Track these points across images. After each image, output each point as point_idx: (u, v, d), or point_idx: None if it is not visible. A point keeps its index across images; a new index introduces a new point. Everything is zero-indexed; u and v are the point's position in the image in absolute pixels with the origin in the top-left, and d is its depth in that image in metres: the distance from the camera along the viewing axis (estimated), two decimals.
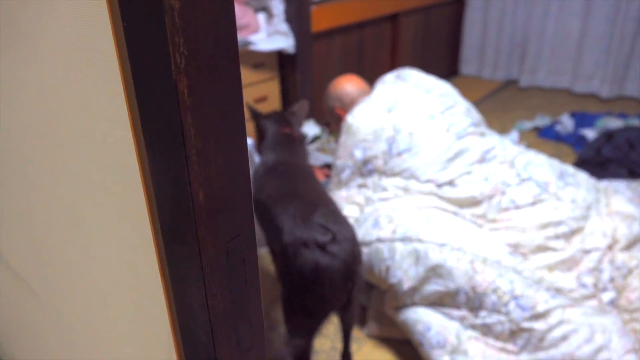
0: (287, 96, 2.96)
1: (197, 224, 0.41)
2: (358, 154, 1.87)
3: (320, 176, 2.28)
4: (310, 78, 3.04)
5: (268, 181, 1.48)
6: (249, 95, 2.68)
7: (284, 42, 2.71)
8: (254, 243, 0.45)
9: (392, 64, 3.65)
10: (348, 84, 2.17)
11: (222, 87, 0.40)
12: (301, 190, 1.40)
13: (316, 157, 2.92)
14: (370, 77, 2.97)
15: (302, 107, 1.83)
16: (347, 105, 2.09)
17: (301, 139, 1.73)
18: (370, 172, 1.86)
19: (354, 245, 1.29)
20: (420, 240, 1.56)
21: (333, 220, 1.30)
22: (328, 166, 2.39)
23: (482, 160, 1.78)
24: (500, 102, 3.88)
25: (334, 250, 1.25)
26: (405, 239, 1.58)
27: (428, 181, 1.75)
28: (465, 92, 2.40)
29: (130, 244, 0.50)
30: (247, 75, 2.64)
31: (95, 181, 0.50)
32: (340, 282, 1.26)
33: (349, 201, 1.87)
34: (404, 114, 1.88)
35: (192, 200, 0.41)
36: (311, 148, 3.01)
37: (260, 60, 2.72)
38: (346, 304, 1.31)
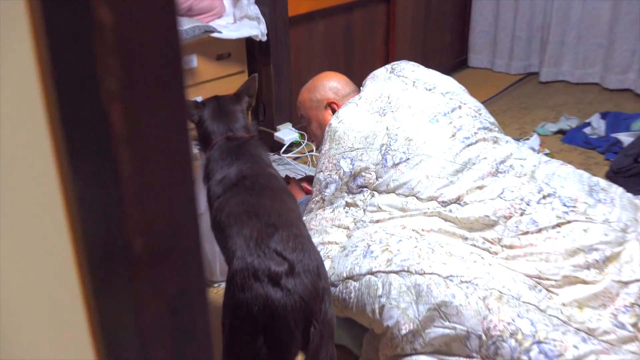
0: (259, 94, 2.96)
1: (135, 277, 0.41)
2: (345, 166, 1.88)
3: (298, 192, 2.28)
4: (287, 72, 3.05)
5: (231, 197, 1.50)
6: (211, 94, 2.67)
7: (254, 28, 2.72)
8: (205, 299, 0.45)
9: (387, 55, 3.68)
10: (337, 78, 2.19)
11: (165, 116, 0.41)
12: (264, 208, 1.42)
13: (294, 169, 2.91)
14: (361, 72, 2.99)
15: (250, 85, 1.79)
16: (343, 98, 2.12)
17: (249, 138, 1.70)
18: (360, 188, 1.87)
19: (317, 279, 1.30)
20: (421, 273, 1.57)
21: (293, 246, 1.31)
22: (310, 179, 2.40)
23: (496, 172, 1.79)
24: (517, 101, 3.94)
25: (290, 285, 1.25)
26: (403, 271, 1.58)
27: (431, 199, 1.76)
28: (474, 88, 2.41)
29: (52, 299, 0.50)
30: (208, 69, 2.65)
31: (11, 223, 0.51)
32: (296, 326, 1.26)
33: (334, 224, 1.87)
34: (400, 117, 1.89)
35: (128, 249, 0.41)
36: (288, 157, 3.01)
37: (226, 51, 2.73)
38: (311, 356, 1.31)
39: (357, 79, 2.28)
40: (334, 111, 2.11)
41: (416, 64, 2.16)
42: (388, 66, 2.16)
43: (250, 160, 1.64)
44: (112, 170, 0.41)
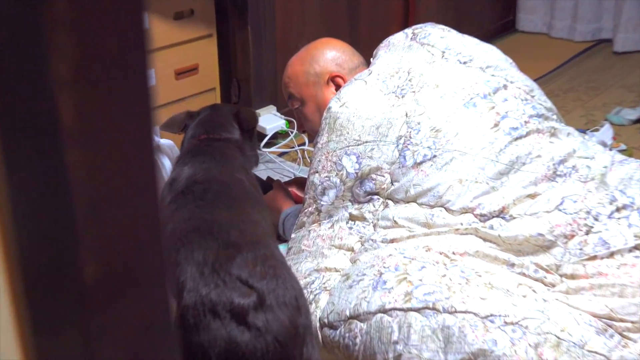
0: (230, 66, 2.98)
1: (87, 313, 0.42)
2: (349, 165, 1.90)
3: (283, 201, 2.32)
4: (271, 38, 3.06)
5: (177, 209, 1.55)
6: (167, 65, 2.71)
7: None
8: (171, 338, 0.47)
9: (406, 17, 3.69)
10: (341, 46, 2.26)
11: (127, 109, 0.42)
12: (220, 223, 1.46)
13: (279, 169, 2.93)
14: (370, 40, 2.99)
15: (249, 115, 2.04)
16: (350, 72, 2.18)
17: (235, 143, 1.86)
18: (369, 196, 1.89)
19: (295, 313, 1.32)
20: (452, 311, 1.57)
21: (262, 271, 1.34)
22: (301, 183, 2.42)
23: (554, 175, 1.81)
24: (582, 78, 3.96)
25: (260, 322, 1.28)
26: (427, 309, 1.58)
27: (465, 211, 1.77)
28: (524, 60, 2.42)
29: None
30: (163, 31, 2.73)
31: None
32: None
33: (334, 244, 1.89)
34: (424, 99, 1.91)
35: (79, 277, 0.41)
36: (271, 153, 3.02)
37: (187, 7, 2.75)
38: None
39: (365, 51, 2.32)
40: (338, 88, 2.13)
41: (446, 28, 2.18)
42: (408, 31, 2.18)
43: (211, 161, 1.74)
44: (60, 176, 0.41)
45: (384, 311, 1.62)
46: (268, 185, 2.43)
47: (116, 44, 0.42)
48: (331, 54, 2.22)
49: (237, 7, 2.92)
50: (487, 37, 3.60)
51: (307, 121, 2.26)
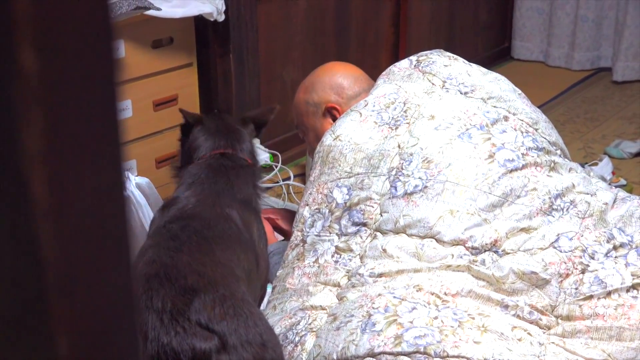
0: (211, 96, 3.00)
1: None
2: (339, 197, 1.93)
3: (270, 236, 2.30)
4: (254, 66, 3.07)
5: (149, 248, 1.61)
6: (145, 95, 2.74)
7: (207, 3, 2.76)
8: None
9: (397, 41, 3.71)
10: (344, 72, 2.30)
11: (99, 182, 0.44)
12: (179, 267, 1.51)
13: (264, 204, 2.94)
14: (359, 66, 3.03)
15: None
16: (349, 101, 2.21)
17: (250, 165, 1.90)
18: (357, 227, 1.91)
19: (261, 350, 1.36)
20: (444, 355, 1.57)
21: (221, 313, 1.38)
22: (287, 216, 2.44)
23: (550, 209, 1.83)
24: (580, 108, 3.98)
25: None
26: (418, 353, 1.58)
27: (456, 242, 1.80)
28: (520, 89, 2.47)
29: None
30: (141, 60, 2.69)
31: None
32: None
33: (319, 280, 1.90)
34: (418, 131, 1.95)
35: (52, 355, 0.42)
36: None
37: (166, 35, 2.77)
38: None
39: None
40: (335, 119, 2.18)
41: (453, 56, 2.23)
42: (413, 57, 2.23)
43: (211, 190, 1.79)
44: (31, 250, 0.42)
45: (373, 355, 1.61)
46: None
47: (86, 115, 0.43)
48: (332, 82, 2.26)
49: (218, 34, 2.96)
50: (481, 65, 3.62)
51: (311, 150, 2.27)
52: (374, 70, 2.64)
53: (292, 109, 2.36)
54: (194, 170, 1.86)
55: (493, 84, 2.12)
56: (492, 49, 4.57)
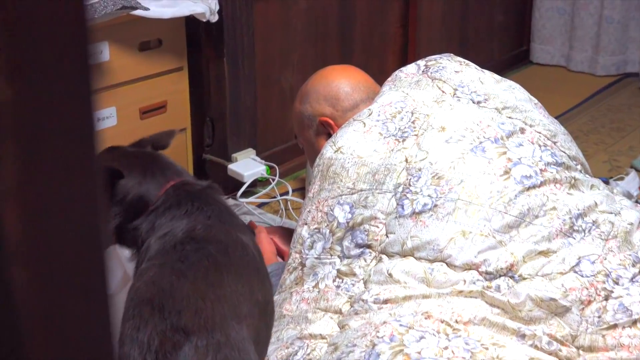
0: (203, 103, 3.00)
1: None
2: (341, 215, 1.92)
3: (267, 257, 2.26)
4: (250, 70, 3.06)
5: (151, 267, 1.59)
6: (131, 102, 2.74)
7: (199, 3, 2.74)
8: None
9: (406, 44, 3.69)
10: (344, 78, 2.27)
11: (76, 224, 0.44)
12: (176, 297, 1.47)
13: (260, 221, 2.94)
14: (366, 71, 3.01)
15: (162, 138, 1.98)
16: (345, 113, 2.19)
17: (210, 185, 1.85)
18: (360, 249, 1.89)
19: None
20: None
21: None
22: (285, 235, 2.43)
23: (570, 231, 1.82)
24: (605, 118, 3.97)
25: None
26: None
27: (468, 267, 1.78)
28: (540, 98, 2.37)
29: None
30: (127, 64, 2.70)
31: None
32: None
33: (319, 306, 1.88)
34: (427, 143, 1.94)
35: None
36: (249, 204, 3.00)
37: (154, 37, 2.79)
38: None
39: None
40: (329, 134, 2.17)
41: (464, 62, 2.22)
42: (421, 62, 2.22)
43: (216, 213, 1.72)
44: (5, 292, 0.43)
45: None
46: (251, 231, 2.37)
47: (62, 146, 0.44)
48: (326, 92, 2.24)
49: (211, 36, 2.95)
50: (497, 70, 3.57)
51: (311, 164, 2.26)
52: (380, 75, 2.60)
53: (292, 117, 2.33)
54: (168, 203, 1.76)
55: (507, 92, 2.11)
56: (509, 52, 4.55)
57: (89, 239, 0.47)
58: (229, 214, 1.81)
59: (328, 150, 2.00)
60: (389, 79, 2.21)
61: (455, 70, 2.15)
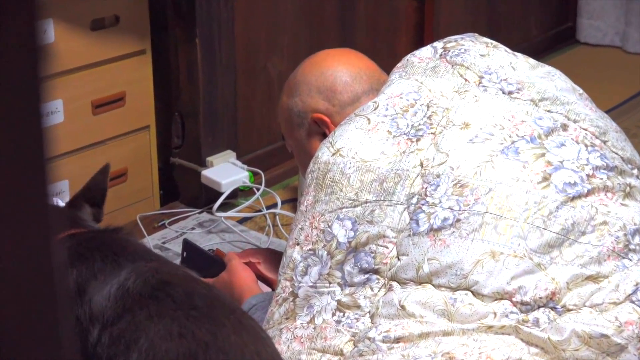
0: (171, 95, 2.93)
1: None
2: (341, 234, 1.89)
3: (246, 288, 2.29)
4: (229, 56, 3.03)
5: (144, 320, 1.67)
6: (81, 93, 2.78)
7: None
8: None
9: (422, 22, 3.69)
10: (344, 65, 2.23)
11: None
12: (237, 352, 1.56)
13: (241, 241, 2.88)
14: (372, 55, 2.97)
15: (101, 177, 2.07)
16: (344, 108, 2.16)
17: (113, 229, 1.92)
18: (365, 275, 1.88)
19: None
20: None
21: None
22: (271, 259, 2.42)
23: (626, 250, 1.82)
24: None
25: None
26: None
27: (499, 296, 1.77)
28: (588, 86, 2.39)
29: None
30: (77, 46, 2.74)
31: None
32: None
33: (316, 347, 1.87)
34: (447, 144, 1.92)
35: None
36: (228, 219, 2.96)
37: (109, 13, 2.82)
38: None
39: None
40: (323, 133, 2.12)
41: (492, 43, 2.17)
42: (438, 44, 2.16)
43: (142, 254, 1.76)
44: None
45: None
46: (219, 262, 2.37)
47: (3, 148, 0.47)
48: (319, 82, 2.20)
49: (180, 14, 2.94)
50: (535, 51, 3.56)
51: (302, 171, 2.26)
52: (389, 60, 2.51)
53: (279, 113, 2.28)
54: (72, 259, 1.77)
55: (546, 80, 2.05)
56: (550, 29, 4.55)
57: (37, 259, 0.51)
58: (148, 251, 1.91)
59: (324, 153, 1.97)
60: (399, 64, 2.16)
61: (480, 53, 2.11)
